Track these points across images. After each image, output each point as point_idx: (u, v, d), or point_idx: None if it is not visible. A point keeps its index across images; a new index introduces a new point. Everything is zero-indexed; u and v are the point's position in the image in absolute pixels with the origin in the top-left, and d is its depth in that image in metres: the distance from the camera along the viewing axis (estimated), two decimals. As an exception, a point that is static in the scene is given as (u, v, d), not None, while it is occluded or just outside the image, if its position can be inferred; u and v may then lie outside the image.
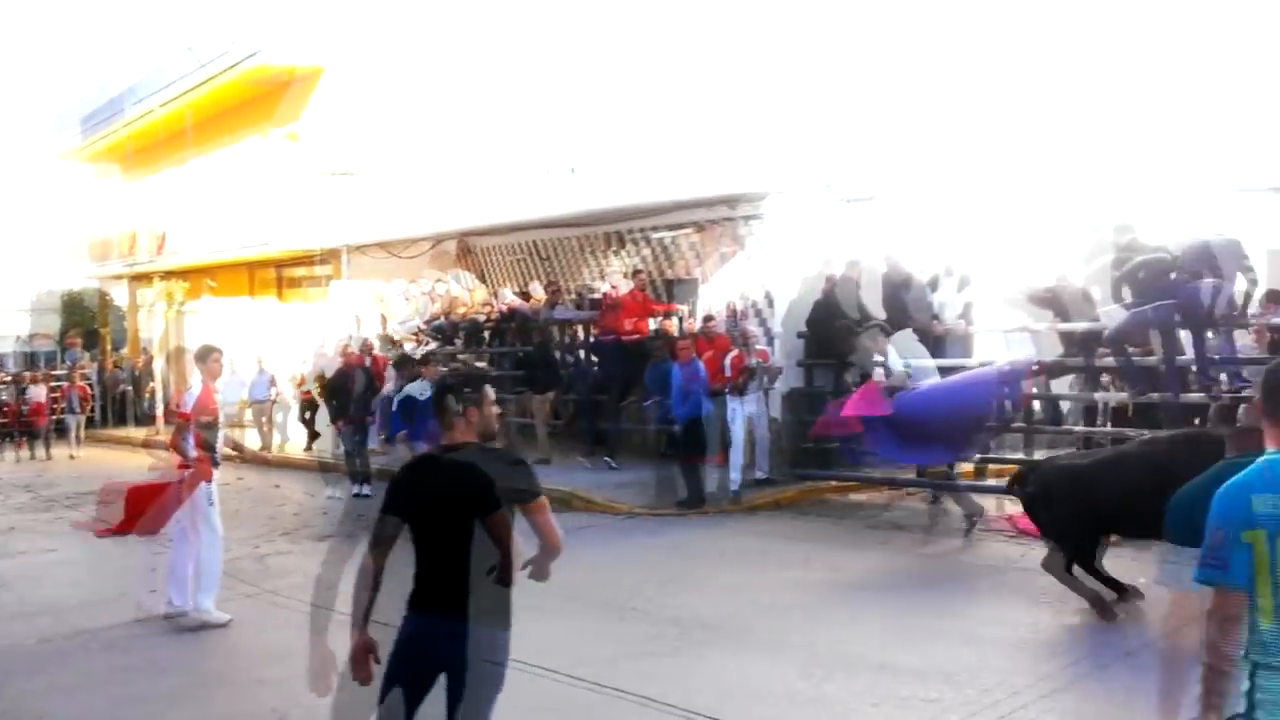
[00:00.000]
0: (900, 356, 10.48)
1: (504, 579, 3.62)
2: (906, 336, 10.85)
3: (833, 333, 11.59)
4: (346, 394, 12.81)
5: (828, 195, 12.65)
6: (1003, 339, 11.86)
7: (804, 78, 12.57)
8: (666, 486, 11.42)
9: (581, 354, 14.91)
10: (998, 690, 5.72)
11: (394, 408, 10.95)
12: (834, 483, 11.80)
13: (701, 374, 11.30)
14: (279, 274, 22.69)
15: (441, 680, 3.61)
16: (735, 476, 11.25)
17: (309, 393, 16.88)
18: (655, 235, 15.07)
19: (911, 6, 12.88)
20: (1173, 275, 9.11)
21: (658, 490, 11.59)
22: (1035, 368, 10.67)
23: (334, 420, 13.24)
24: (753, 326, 12.49)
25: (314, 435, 17.09)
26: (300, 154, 19.88)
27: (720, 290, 13.68)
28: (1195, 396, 9.03)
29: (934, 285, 11.61)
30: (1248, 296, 8.97)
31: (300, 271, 21.98)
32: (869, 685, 5.90)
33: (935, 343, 11.41)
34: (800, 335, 12.37)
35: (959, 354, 11.56)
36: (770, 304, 12.90)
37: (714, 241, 14.08)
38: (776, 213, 12.86)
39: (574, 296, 15.70)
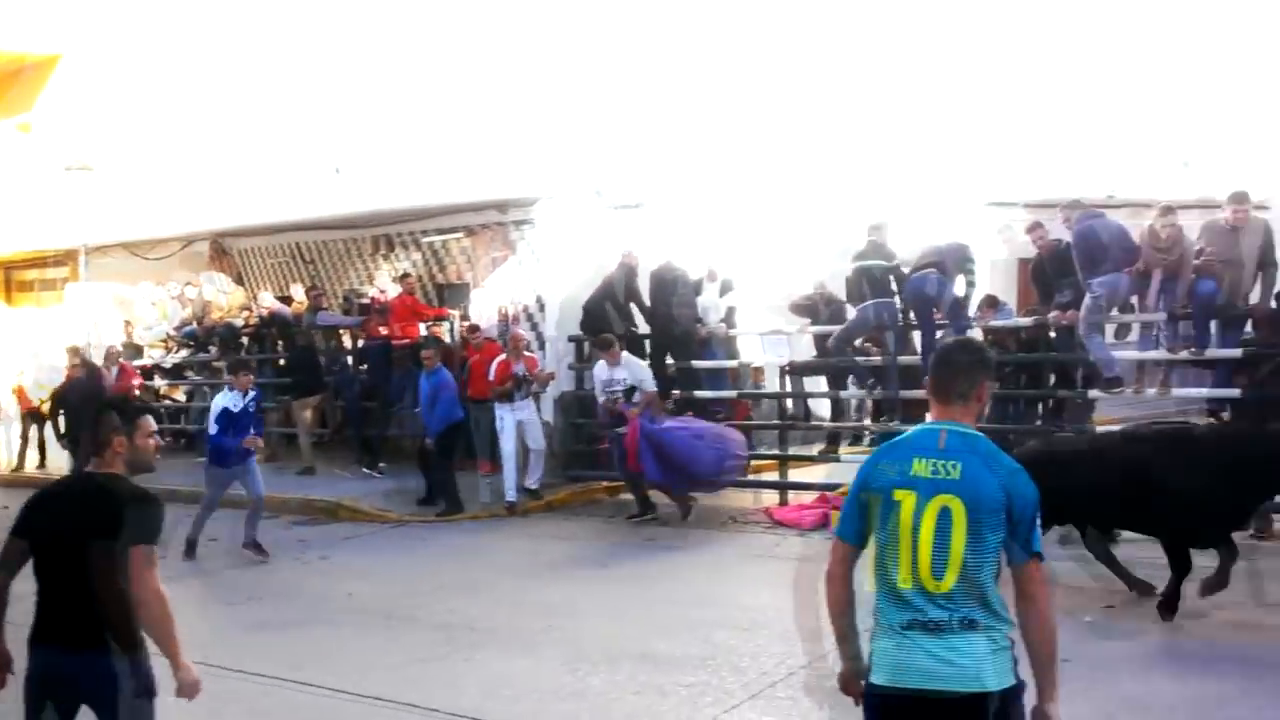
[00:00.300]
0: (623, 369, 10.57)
1: (112, 627, 3.41)
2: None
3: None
4: (71, 407, 11.85)
5: (597, 202, 12.90)
6: (760, 341, 12.53)
7: (573, 85, 12.76)
8: (434, 494, 11.27)
9: (349, 360, 14.49)
10: (750, 671, 6.05)
11: (213, 422, 9.47)
12: (605, 483, 12.04)
13: (450, 383, 11.13)
14: (7, 276, 20.75)
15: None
16: (510, 484, 11.08)
17: (35, 405, 15.46)
18: (425, 239, 14.86)
19: (673, 19, 13.34)
20: (892, 278, 9.99)
21: (426, 497, 11.43)
22: (787, 367, 11.37)
23: (59, 437, 12.18)
24: (524, 331, 12.54)
25: (41, 450, 15.70)
26: (33, 146, 18.25)
27: (492, 295, 13.66)
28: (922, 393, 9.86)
29: (697, 290, 12.02)
30: (967, 298, 9.88)
31: (32, 274, 20.21)
32: (631, 675, 6.08)
33: (700, 345, 11.86)
34: (571, 339, 12.54)
35: (723, 356, 12.09)
36: (541, 308, 13.02)
37: (485, 246, 14.04)
38: (547, 218, 12.99)
39: (342, 301, 15.23)
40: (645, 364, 10.95)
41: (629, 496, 11.89)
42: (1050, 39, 15.18)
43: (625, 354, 10.72)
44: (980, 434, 2.98)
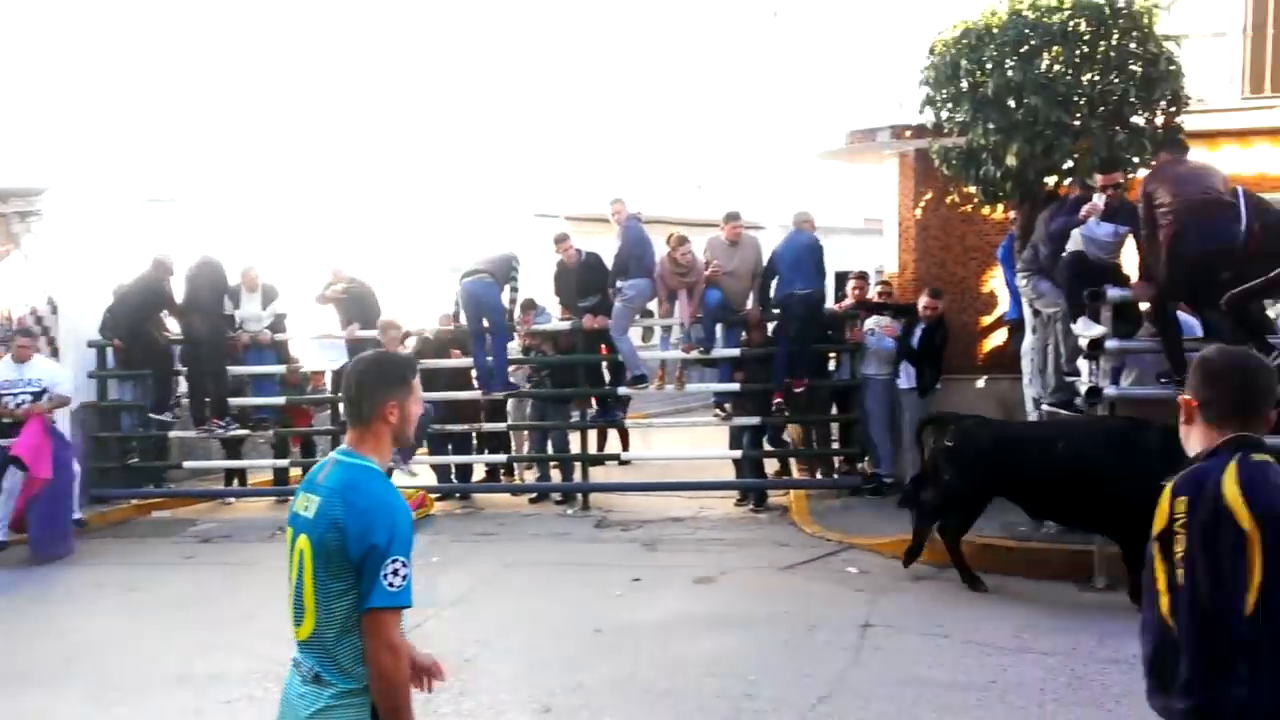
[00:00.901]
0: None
1: None
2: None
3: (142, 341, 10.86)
4: None
5: (122, 195, 11.83)
6: (315, 345, 12.23)
7: (90, 74, 11.64)
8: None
9: None
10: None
11: None
12: (135, 501, 11.07)
13: None
14: None
15: None
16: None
17: None
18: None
19: (209, 14, 12.66)
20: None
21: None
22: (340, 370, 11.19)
23: None
24: (35, 333, 11.11)
25: None
26: None
27: (-10, 295, 11.95)
28: (475, 394, 10.31)
29: (235, 298, 11.41)
30: (513, 303, 10.45)
31: None
32: (166, 699, 5.73)
33: (241, 350, 11.30)
34: (91, 344, 11.37)
35: (272, 361, 11.59)
36: (54, 310, 11.63)
37: (-19, 239, 12.24)
38: (59, 210, 11.64)
39: None
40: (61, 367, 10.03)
41: (164, 514, 11.14)
42: (558, 77, 16.51)
43: (38, 355, 9.76)
44: (367, 464, 2.67)
